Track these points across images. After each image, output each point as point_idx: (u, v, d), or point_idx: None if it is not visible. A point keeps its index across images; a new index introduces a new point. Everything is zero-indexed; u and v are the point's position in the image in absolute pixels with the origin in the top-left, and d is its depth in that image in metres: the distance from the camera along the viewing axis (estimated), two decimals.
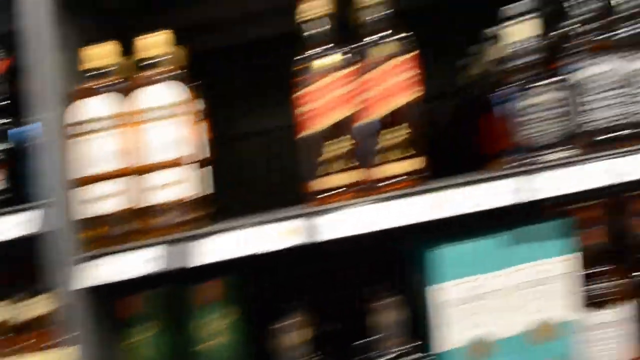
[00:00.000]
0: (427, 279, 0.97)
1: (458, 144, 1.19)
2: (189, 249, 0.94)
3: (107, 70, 1.03)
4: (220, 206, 1.09)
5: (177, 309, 1.11)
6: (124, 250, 0.95)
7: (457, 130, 1.21)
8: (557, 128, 0.93)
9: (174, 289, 1.11)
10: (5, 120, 1.14)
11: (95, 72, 1.03)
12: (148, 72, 1.02)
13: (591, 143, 0.96)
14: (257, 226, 0.94)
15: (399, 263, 1.16)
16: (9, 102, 1.16)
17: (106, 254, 0.95)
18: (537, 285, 0.98)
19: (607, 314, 0.99)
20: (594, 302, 1.00)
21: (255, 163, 1.31)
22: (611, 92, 0.97)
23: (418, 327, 1.02)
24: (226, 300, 1.09)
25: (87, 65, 1.03)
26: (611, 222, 1.08)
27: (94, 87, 1.02)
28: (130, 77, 1.04)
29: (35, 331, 1.12)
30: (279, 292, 1.15)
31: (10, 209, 1.00)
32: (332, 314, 1.16)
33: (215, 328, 1.09)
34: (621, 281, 1.00)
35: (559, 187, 0.91)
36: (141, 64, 1.03)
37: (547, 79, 0.92)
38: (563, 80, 0.93)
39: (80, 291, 0.96)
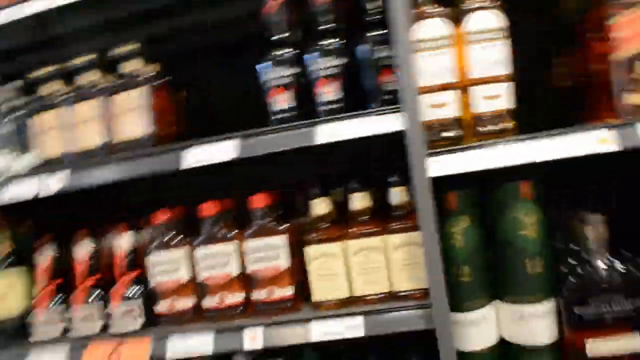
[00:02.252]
0: None
1: None
2: (524, 150, 1.10)
3: None
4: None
5: (487, 204, 1.26)
6: (454, 151, 1.13)
7: None
8: None
9: (486, 186, 1.25)
10: (336, 40, 1.29)
11: None
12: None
13: None
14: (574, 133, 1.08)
15: None
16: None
17: (441, 152, 1.14)
18: None
19: None
20: None
21: None
22: None
23: None
24: (533, 199, 1.20)
25: None
26: None
27: (428, 10, 1.21)
28: (456, 3, 1.21)
29: (397, 215, 1.29)
30: (572, 196, 1.25)
31: (374, 110, 1.18)
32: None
33: (522, 223, 1.19)
34: None
35: None
36: None
37: None
38: None
39: (427, 182, 1.13)
